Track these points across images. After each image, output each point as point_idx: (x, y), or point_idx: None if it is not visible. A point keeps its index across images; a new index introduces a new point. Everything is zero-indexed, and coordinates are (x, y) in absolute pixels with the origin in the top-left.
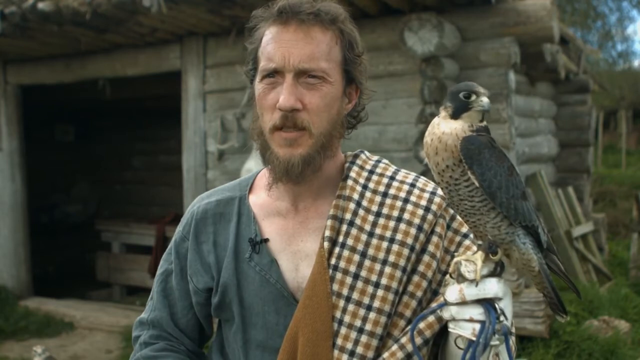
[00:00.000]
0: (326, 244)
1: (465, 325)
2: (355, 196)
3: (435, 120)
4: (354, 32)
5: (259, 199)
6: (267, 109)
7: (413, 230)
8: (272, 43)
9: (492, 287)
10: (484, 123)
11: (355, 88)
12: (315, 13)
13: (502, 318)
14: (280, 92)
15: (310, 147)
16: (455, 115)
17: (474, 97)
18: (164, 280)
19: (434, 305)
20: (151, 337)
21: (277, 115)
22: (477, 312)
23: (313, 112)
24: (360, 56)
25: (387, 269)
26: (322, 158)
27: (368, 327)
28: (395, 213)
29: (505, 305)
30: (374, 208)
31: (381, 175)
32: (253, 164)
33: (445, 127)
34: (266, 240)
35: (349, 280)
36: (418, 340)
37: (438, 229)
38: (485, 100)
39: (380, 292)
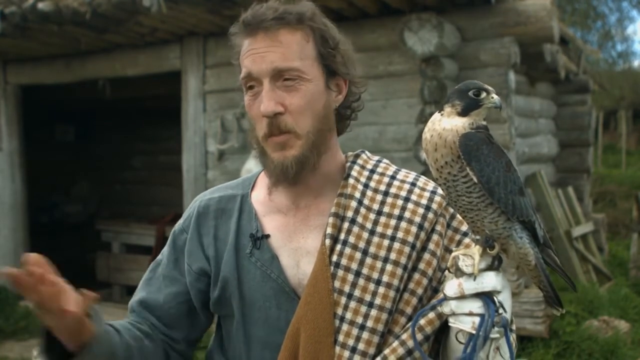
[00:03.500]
0: (328, 241)
1: (465, 319)
2: (357, 195)
3: (436, 116)
4: (327, 26)
5: (260, 197)
6: (255, 119)
7: (414, 229)
8: (245, 55)
9: (490, 281)
10: (484, 121)
11: (344, 80)
12: (279, 17)
13: (500, 311)
14: (261, 98)
15: (300, 147)
16: (464, 113)
17: (484, 95)
18: (152, 270)
19: (434, 301)
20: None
21: (264, 124)
22: (476, 306)
23: (296, 112)
24: (336, 48)
25: (389, 267)
26: (316, 156)
27: (369, 324)
28: (397, 212)
29: (504, 299)
30: (376, 207)
31: (382, 174)
32: (253, 164)
33: (447, 124)
34: (267, 236)
35: (350, 277)
36: (419, 337)
37: (439, 228)
38: (496, 97)
39: (381, 290)
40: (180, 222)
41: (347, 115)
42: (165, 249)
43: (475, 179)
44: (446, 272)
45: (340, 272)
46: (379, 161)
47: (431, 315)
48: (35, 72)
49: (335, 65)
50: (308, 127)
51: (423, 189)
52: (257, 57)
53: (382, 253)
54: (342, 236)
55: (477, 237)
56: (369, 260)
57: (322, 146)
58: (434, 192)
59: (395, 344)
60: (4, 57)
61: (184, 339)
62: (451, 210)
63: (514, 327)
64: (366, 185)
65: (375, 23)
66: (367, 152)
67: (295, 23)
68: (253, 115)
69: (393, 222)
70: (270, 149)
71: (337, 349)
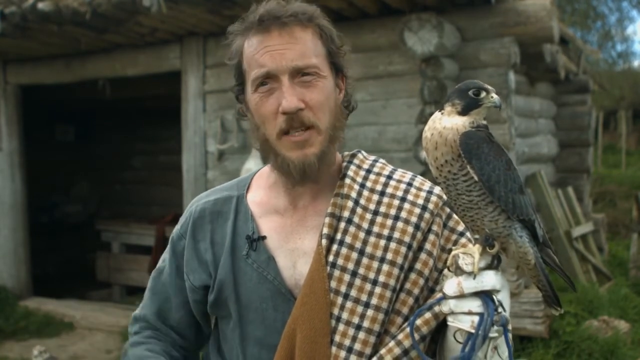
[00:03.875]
0: (324, 242)
1: (464, 318)
2: (354, 194)
3: (437, 115)
4: (331, 26)
5: (256, 198)
6: (268, 117)
7: (410, 229)
8: (260, 51)
9: (490, 280)
10: (484, 120)
11: (342, 78)
12: (293, 14)
13: (500, 310)
14: (279, 97)
15: (321, 143)
16: (464, 112)
17: (484, 94)
18: (156, 278)
19: (431, 301)
20: (141, 328)
21: (281, 120)
22: (475, 305)
23: (316, 108)
24: (341, 47)
25: (385, 267)
26: (332, 151)
27: (366, 324)
28: (393, 211)
29: (503, 298)
30: (372, 206)
31: (378, 174)
32: (253, 164)
33: (447, 122)
34: (263, 237)
35: (347, 277)
36: (415, 337)
37: (435, 228)
38: (496, 96)
39: (378, 290)
40: (177, 227)
41: (345, 115)
42: (167, 256)
43: (475, 177)
44: (445, 270)
45: (337, 273)
46: (375, 161)
47: (428, 315)
48: (35, 72)
49: (341, 64)
50: (327, 122)
51: (419, 189)
52: (276, 54)
53: (379, 253)
54: (339, 236)
55: (477, 236)
56: (365, 260)
57: (337, 141)
58: (430, 192)
59: (392, 343)
60: (4, 57)
61: (191, 347)
62: (447, 210)
63: (510, 327)
64: (363, 185)
65: (375, 23)
66: (363, 151)
67: (306, 21)
68: (265, 113)
69: (389, 222)
70: (286, 148)
71: (334, 349)
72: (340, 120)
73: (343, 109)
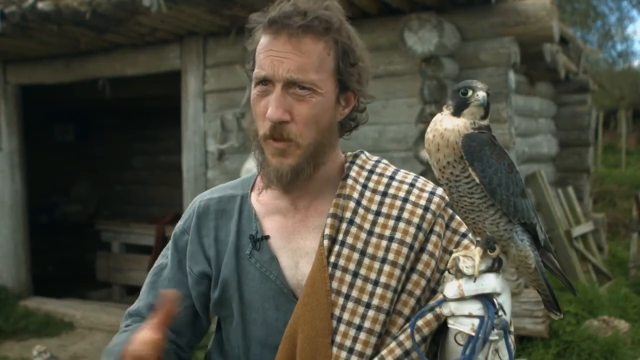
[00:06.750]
0: (326, 242)
1: (464, 321)
2: (355, 195)
3: (438, 117)
4: (350, 39)
5: (260, 197)
6: (259, 116)
7: (412, 229)
8: (264, 52)
9: (491, 282)
10: (486, 121)
11: (354, 94)
12: (307, 24)
13: (500, 313)
14: (270, 101)
15: (298, 157)
16: (456, 113)
17: (470, 93)
18: (156, 274)
19: (432, 302)
20: (133, 322)
21: (267, 125)
22: (475, 308)
23: (301, 123)
24: (355, 65)
25: (386, 267)
26: (312, 167)
27: (367, 324)
28: (395, 212)
29: (504, 301)
30: (374, 207)
31: (381, 175)
32: (253, 163)
33: (448, 124)
34: (267, 237)
35: (348, 278)
36: (416, 338)
37: (437, 228)
38: (480, 94)
39: (379, 290)
40: (180, 223)
41: (350, 127)
42: (168, 252)
43: (477, 180)
44: (446, 273)
45: (338, 273)
46: (378, 161)
47: (429, 316)
48: (35, 72)
49: (349, 82)
50: (310, 139)
51: (422, 190)
52: (275, 60)
53: (380, 254)
54: (340, 237)
55: (478, 238)
56: (366, 260)
57: (319, 159)
58: (432, 193)
59: (393, 344)
60: (4, 57)
61: (186, 345)
62: (450, 211)
63: (512, 329)
64: (365, 186)
65: (375, 23)
66: (366, 152)
67: (320, 33)
68: (257, 111)
69: (391, 222)
70: (269, 151)
71: (334, 349)
72: (330, 138)
73: (349, 122)
